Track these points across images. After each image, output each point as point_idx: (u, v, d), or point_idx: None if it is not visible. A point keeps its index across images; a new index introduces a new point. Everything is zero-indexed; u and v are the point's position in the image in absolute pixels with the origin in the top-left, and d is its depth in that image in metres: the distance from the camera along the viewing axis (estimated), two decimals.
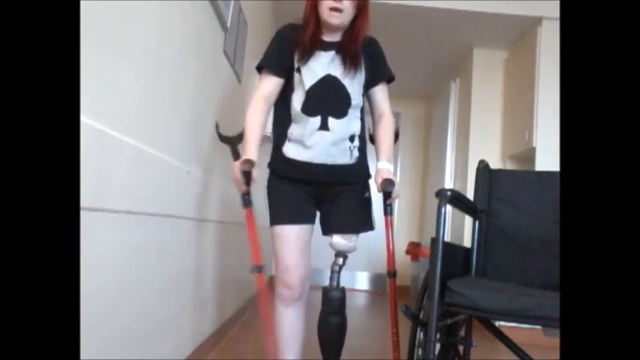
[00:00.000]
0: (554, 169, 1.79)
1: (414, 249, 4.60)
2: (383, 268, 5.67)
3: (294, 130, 1.68)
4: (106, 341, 1.25)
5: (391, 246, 1.81)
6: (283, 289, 1.70)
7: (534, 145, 3.34)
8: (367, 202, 1.78)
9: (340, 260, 1.72)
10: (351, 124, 1.69)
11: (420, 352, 1.59)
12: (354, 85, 1.69)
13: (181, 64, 1.72)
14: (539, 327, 1.38)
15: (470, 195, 1.83)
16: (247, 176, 1.61)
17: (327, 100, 1.67)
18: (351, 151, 1.70)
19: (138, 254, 1.43)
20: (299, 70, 1.68)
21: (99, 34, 1.11)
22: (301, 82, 1.67)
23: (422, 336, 1.59)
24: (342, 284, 1.72)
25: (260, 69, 1.74)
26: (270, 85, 1.71)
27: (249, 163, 1.60)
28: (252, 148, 1.65)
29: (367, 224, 1.77)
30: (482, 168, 1.84)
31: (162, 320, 1.69)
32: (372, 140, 1.84)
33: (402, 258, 5.12)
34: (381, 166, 1.75)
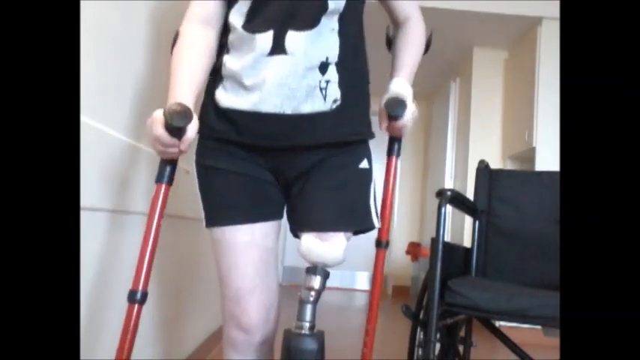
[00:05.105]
0: (554, 169, 1.79)
1: (414, 249, 4.60)
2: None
3: (228, 62, 1.01)
4: (105, 341, 1.25)
5: (389, 198, 1.13)
6: (235, 332, 1.04)
7: (534, 145, 3.34)
8: (364, 179, 1.04)
9: (314, 281, 0.93)
10: (323, 41, 0.98)
11: (420, 352, 1.59)
12: None
13: None
14: (539, 327, 1.38)
15: (470, 195, 1.84)
16: (177, 134, 0.92)
17: (285, 3, 0.98)
18: (323, 89, 0.98)
19: (137, 254, 1.43)
20: None
21: (99, 33, 1.11)
22: None
23: (422, 336, 1.59)
24: (319, 323, 0.93)
25: None
26: (205, 3, 1.05)
27: (181, 111, 0.90)
28: (183, 87, 0.99)
29: (362, 216, 1.02)
30: (483, 168, 1.84)
31: (162, 320, 1.69)
32: (389, 47, 1.23)
33: (402, 258, 5.12)
34: (395, 87, 1.08)
